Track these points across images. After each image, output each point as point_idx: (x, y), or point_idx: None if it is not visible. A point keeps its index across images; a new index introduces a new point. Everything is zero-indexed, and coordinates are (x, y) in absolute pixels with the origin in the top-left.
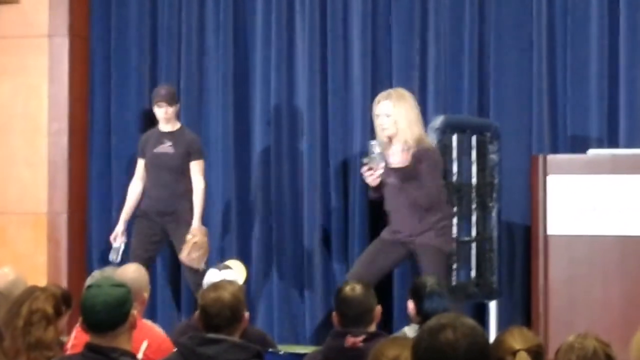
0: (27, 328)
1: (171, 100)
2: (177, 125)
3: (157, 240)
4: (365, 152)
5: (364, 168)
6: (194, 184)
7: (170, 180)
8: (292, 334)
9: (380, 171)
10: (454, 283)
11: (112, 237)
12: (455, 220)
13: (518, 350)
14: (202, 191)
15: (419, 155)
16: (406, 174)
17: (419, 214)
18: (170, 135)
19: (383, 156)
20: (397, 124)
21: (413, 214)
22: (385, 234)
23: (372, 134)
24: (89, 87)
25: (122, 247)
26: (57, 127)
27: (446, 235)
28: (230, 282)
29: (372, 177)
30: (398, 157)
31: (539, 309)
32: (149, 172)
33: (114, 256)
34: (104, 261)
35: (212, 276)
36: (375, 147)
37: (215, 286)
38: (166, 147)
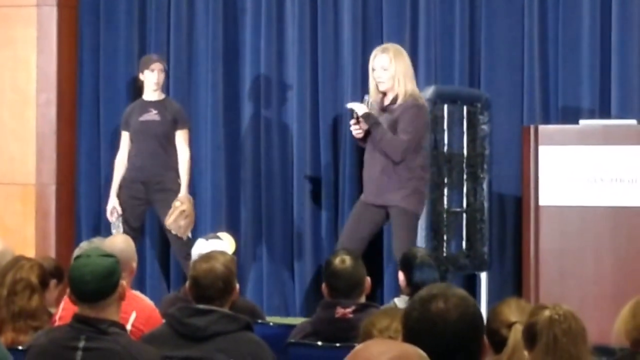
0: (11, 297)
1: (165, 64)
2: (162, 95)
3: (141, 210)
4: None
5: (352, 121)
6: (180, 153)
7: (157, 147)
8: (282, 306)
9: (366, 126)
10: (444, 254)
11: (108, 214)
12: (446, 191)
13: (514, 323)
14: (188, 160)
15: (405, 106)
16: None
17: (388, 171)
18: (156, 103)
19: (376, 109)
20: (394, 78)
21: (383, 171)
22: (362, 196)
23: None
24: (78, 58)
25: (121, 219)
26: (45, 99)
27: (417, 196)
28: (222, 253)
29: (357, 131)
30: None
31: (530, 280)
32: (135, 141)
33: (116, 230)
34: (93, 232)
35: (201, 246)
36: (369, 101)
37: (207, 257)
38: (152, 114)
